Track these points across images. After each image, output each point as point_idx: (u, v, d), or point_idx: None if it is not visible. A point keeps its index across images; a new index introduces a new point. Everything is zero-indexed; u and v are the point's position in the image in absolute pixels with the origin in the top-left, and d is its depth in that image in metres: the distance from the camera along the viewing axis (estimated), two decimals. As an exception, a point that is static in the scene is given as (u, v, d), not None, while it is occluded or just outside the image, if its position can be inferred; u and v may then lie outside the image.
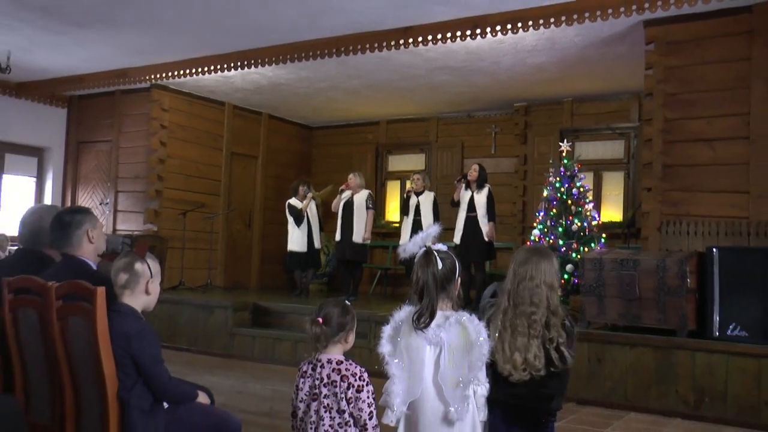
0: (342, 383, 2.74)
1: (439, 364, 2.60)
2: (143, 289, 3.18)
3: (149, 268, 3.21)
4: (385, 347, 2.61)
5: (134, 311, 3.15)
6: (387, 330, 2.62)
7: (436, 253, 2.81)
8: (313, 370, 2.82)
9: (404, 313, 2.66)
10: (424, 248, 2.81)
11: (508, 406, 2.94)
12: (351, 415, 2.74)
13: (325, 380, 2.77)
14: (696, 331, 6.30)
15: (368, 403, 2.73)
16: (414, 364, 2.58)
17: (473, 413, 2.76)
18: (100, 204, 11.67)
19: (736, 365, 5.93)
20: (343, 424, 2.74)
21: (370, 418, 2.74)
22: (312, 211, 10.55)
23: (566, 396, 3.14)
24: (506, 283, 3.10)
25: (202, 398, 3.35)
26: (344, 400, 2.73)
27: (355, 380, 2.74)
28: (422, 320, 2.70)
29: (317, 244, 10.61)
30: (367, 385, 2.75)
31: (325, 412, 2.74)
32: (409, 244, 2.83)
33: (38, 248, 3.77)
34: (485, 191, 9.23)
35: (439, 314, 2.72)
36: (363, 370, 2.80)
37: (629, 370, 6.38)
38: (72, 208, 3.76)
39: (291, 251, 10.49)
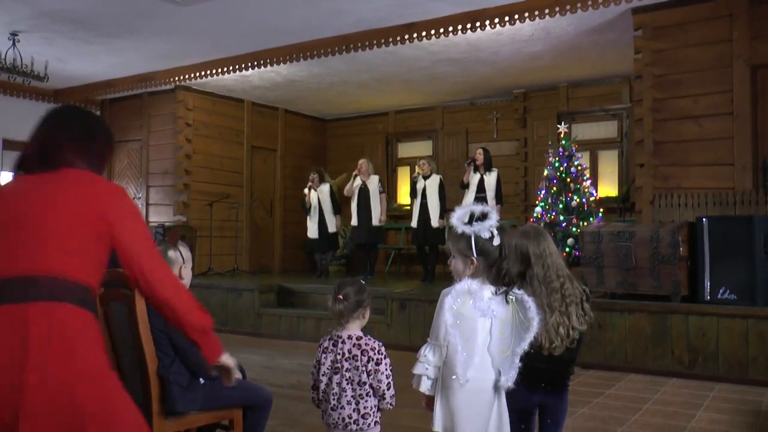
0: (362, 357, 2.76)
1: (492, 335, 2.52)
2: (177, 274, 3.18)
3: (181, 254, 3.23)
4: (448, 318, 2.54)
5: (169, 296, 3.17)
6: (448, 301, 2.54)
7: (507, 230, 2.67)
8: (334, 345, 2.83)
9: (464, 284, 2.58)
10: (498, 227, 2.58)
11: (530, 374, 2.76)
12: (371, 386, 2.76)
13: (347, 354, 2.78)
14: (688, 296, 6.31)
15: (386, 375, 2.76)
16: (467, 334, 2.52)
17: None
18: (133, 198, 11.77)
19: (726, 326, 5.94)
20: (364, 395, 2.76)
21: (388, 389, 2.77)
22: (323, 198, 10.48)
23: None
24: (532, 269, 2.92)
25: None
26: (365, 372, 2.75)
27: (374, 354, 2.76)
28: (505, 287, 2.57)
29: (331, 229, 10.47)
30: (384, 358, 2.77)
31: (347, 384, 2.77)
32: (481, 228, 2.55)
33: (80, 242, 3.80)
34: (494, 174, 9.20)
35: (492, 288, 2.59)
36: (381, 344, 2.81)
37: (628, 335, 6.40)
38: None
39: (308, 236, 10.58)
